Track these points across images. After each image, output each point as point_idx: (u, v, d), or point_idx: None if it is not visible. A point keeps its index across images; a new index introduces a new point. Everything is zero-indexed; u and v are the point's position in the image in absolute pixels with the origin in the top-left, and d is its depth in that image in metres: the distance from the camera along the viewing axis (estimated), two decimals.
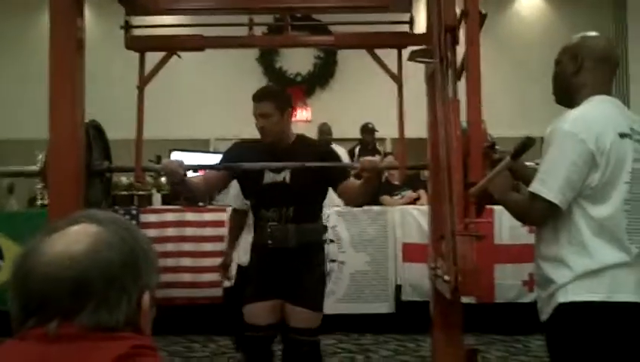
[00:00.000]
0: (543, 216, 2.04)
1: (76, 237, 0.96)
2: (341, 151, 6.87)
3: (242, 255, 3.83)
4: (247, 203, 3.39)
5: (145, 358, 0.92)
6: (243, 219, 3.74)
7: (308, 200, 3.11)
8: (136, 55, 3.27)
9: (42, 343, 0.91)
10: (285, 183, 3.04)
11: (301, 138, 3.22)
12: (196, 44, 3.30)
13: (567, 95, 2.17)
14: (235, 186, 3.69)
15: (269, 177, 3.06)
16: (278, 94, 3.17)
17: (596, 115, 2.03)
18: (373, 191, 3.11)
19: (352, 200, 3.28)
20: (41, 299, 0.92)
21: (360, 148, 7.13)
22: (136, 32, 3.33)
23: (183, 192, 3.22)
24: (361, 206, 5.34)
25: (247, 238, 3.52)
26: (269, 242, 3.05)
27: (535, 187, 2.01)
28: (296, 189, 3.03)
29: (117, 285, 0.95)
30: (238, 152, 3.18)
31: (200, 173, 3.33)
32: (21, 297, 0.94)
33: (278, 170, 3.05)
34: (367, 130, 7.25)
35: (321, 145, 3.56)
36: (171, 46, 3.22)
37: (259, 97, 3.08)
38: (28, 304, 0.94)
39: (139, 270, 0.99)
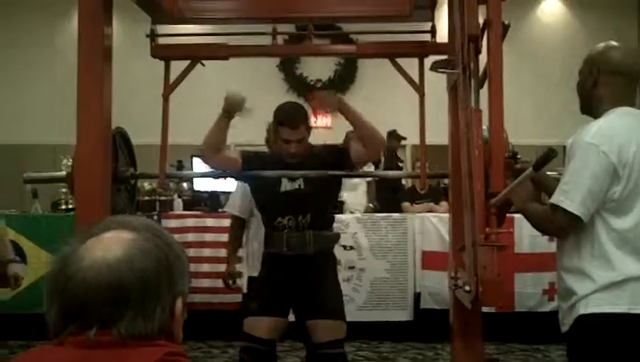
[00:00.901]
0: (565, 228, 2.04)
1: (111, 244, 0.96)
2: None
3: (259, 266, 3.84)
4: (257, 214, 3.33)
5: None
6: (243, 229, 3.81)
7: (323, 205, 3.13)
8: (158, 62, 3.29)
9: (81, 349, 0.92)
10: (301, 190, 3.04)
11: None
12: (221, 52, 3.32)
13: (588, 107, 2.17)
14: (239, 194, 3.71)
15: (285, 185, 3.05)
16: (305, 112, 3.08)
17: (618, 127, 2.03)
18: (364, 124, 3.01)
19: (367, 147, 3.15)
20: (81, 306, 0.93)
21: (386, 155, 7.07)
22: (160, 40, 3.36)
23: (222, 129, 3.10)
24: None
25: (260, 249, 3.43)
26: (285, 249, 3.02)
27: (557, 199, 2.02)
28: (312, 195, 3.02)
29: (153, 293, 0.95)
30: (260, 162, 3.15)
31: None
32: (62, 302, 0.95)
33: (292, 179, 3.03)
34: (394, 136, 7.25)
35: (316, 147, 3.52)
36: (197, 54, 3.24)
37: (294, 123, 2.95)
38: (69, 310, 0.94)
39: (173, 277, 0.99)
